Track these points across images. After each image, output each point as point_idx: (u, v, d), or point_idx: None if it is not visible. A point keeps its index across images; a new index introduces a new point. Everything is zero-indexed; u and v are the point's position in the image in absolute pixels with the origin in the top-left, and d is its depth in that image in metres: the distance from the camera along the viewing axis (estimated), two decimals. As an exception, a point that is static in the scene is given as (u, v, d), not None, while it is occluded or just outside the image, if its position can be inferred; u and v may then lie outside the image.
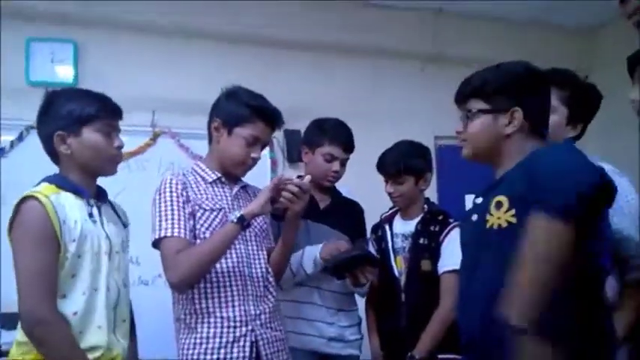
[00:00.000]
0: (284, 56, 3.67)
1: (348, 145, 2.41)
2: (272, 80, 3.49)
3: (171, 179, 1.93)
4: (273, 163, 3.57)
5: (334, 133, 2.40)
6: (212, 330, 1.86)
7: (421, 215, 2.46)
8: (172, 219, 1.86)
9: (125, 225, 1.93)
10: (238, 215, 1.84)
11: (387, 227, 2.51)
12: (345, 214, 2.49)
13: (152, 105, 3.31)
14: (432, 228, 2.40)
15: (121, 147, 1.83)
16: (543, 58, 3.36)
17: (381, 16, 3.81)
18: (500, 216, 1.47)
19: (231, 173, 2.04)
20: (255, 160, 2.01)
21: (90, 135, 1.74)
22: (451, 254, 2.18)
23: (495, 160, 1.61)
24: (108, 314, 1.70)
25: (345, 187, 2.60)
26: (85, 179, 1.78)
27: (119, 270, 1.80)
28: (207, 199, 1.95)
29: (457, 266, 1.90)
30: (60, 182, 1.72)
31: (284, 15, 3.60)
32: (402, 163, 2.42)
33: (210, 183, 2.00)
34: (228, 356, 1.85)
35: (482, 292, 1.51)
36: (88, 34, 3.32)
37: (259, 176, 3.29)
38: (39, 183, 1.73)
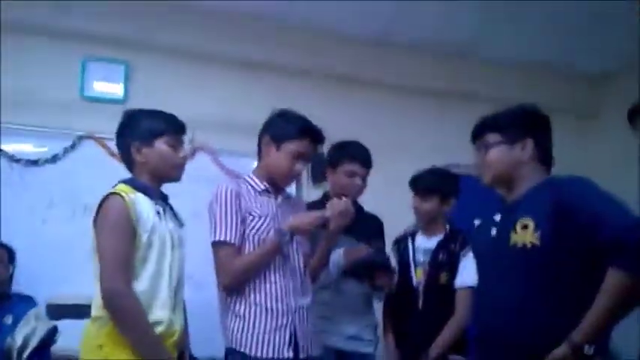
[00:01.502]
0: (311, 84, 3.91)
1: (366, 161, 2.65)
2: (297, 107, 3.74)
3: (227, 187, 2.16)
4: (298, 182, 3.71)
5: (353, 152, 2.65)
6: (258, 318, 2.09)
7: (443, 233, 2.69)
8: (227, 224, 2.10)
9: (181, 225, 2.18)
10: (287, 234, 2.09)
11: (409, 241, 2.75)
12: (367, 227, 2.71)
13: (192, 123, 3.52)
14: (452, 246, 2.63)
15: (185, 157, 2.13)
16: (550, 100, 3.64)
17: (402, 54, 4.08)
18: (525, 237, 1.70)
19: (277, 184, 2.26)
20: (299, 173, 2.24)
21: (160, 146, 2.03)
22: (468, 272, 2.38)
23: (510, 185, 1.86)
24: (170, 296, 1.94)
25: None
26: (153, 183, 2.06)
27: (179, 261, 2.04)
28: (256, 206, 2.17)
29: (473, 284, 2.17)
30: (134, 184, 2.00)
31: (312, 47, 3.88)
32: (431, 182, 2.68)
33: (259, 192, 2.22)
34: (272, 341, 2.08)
35: (504, 303, 1.75)
36: (139, 56, 3.60)
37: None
38: (116, 185, 2.00)
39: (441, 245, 2.66)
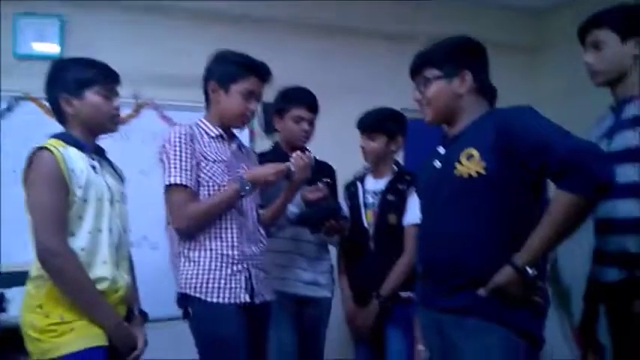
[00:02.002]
0: (257, 32, 3.78)
1: (312, 106, 2.66)
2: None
3: (180, 130, 2.11)
4: (251, 134, 3.70)
5: (299, 97, 2.65)
6: (214, 264, 2.09)
7: (390, 175, 2.72)
8: (182, 168, 2.06)
9: (122, 179, 2.13)
10: (248, 184, 2.09)
11: (359, 185, 2.78)
12: (319, 174, 2.69)
13: (135, 78, 3.39)
14: (399, 187, 2.67)
15: (118, 107, 2.04)
16: (495, 36, 3.65)
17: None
18: (470, 166, 1.70)
19: (230, 130, 2.25)
20: (252, 113, 2.21)
21: (91, 97, 1.95)
22: (415, 210, 2.37)
23: (452, 120, 1.85)
24: (111, 252, 1.90)
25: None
26: (87, 137, 1.99)
27: (119, 216, 1.99)
28: (211, 151, 2.14)
29: (420, 220, 2.14)
30: (65, 138, 1.93)
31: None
32: (377, 121, 2.69)
33: (213, 137, 2.18)
34: (227, 286, 2.08)
35: (448, 233, 1.75)
36: (74, 9, 3.45)
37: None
38: (47, 140, 1.91)
39: (389, 186, 2.69)
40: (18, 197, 2.90)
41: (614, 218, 1.88)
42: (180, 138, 2.08)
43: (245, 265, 2.13)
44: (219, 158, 2.15)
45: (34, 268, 1.84)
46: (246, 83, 2.16)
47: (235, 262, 2.11)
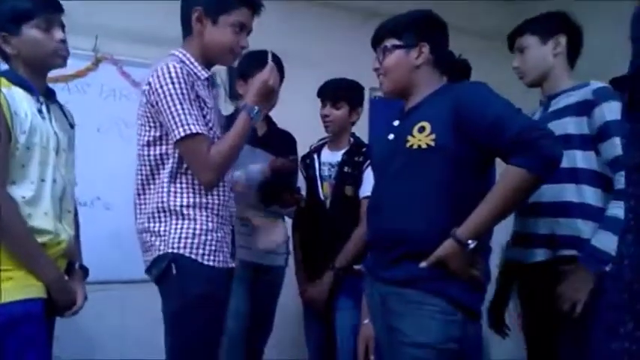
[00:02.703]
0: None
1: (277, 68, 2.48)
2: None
3: (182, 69, 1.82)
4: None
5: (262, 61, 2.32)
6: (210, 224, 1.88)
7: (347, 147, 2.70)
8: (192, 114, 1.80)
9: (72, 126, 2.00)
10: (255, 107, 1.87)
11: (315, 156, 2.76)
12: (280, 142, 2.70)
13: (95, 30, 3.30)
14: (356, 159, 2.65)
15: (63, 40, 1.86)
16: (472, 22, 3.63)
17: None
18: (421, 138, 1.72)
19: (217, 64, 2.02)
20: (245, 48, 1.99)
21: (30, 32, 1.79)
22: (371, 182, 2.38)
23: (409, 91, 1.87)
24: (54, 204, 1.81)
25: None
26: (35, 77, 1.84)
27: (66, 166, 1.89)
28: (206, 96, 1.92)
29: None
30: (11, 77, 1.78)
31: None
32: (341, 89, 2.68)
33: (202, 80, 1.94)
34: (221, 249, 1.90)
35: (395, 204, 1.78)
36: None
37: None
38: None
39: (345, 158, 2.67)
40: None
41: (540, 202, 1.99)
42: (184, 79, 1.81)
43: (231, 228, 1.99)
44: (211, 105, 1.94)
45: None
46: (238, 14, 1.91)
47: (227, 223, 1.95)
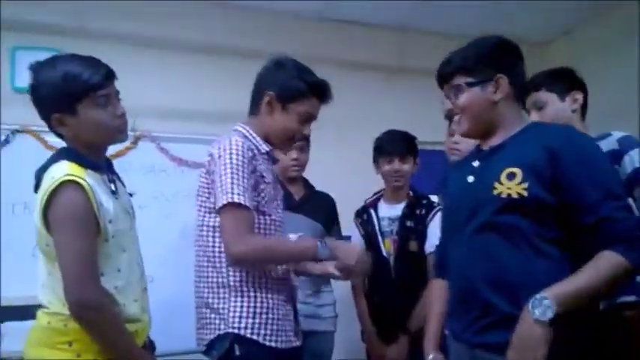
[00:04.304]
0: (258, 67, 3.78)
1: None
2: (247, 89, 3.62)
3: (243, 144, 1.81)
4: None
5: None
6: (271, 302, 1.83)
7: (406, 200, 2.65)
8: (244, 186, 1.76)
9: (131, 194, 1.90)
10: (327, 252, 1.80)
11: (372, 211, 2.70)
12: (319, 205, 2.67)
13: (133, 111, 3.40)
14: (417, 211, 2.60)
15: (124, 113, 1.72)
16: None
17: (349, 32, 4.01)
18: (511, 186, 1.52)
19: (276, 148, 2.01)
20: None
21: (87, 112, 1.63)
22: (437, 234, 2.30)
23: (489, 130, 1.67)
24: (140, 287, 1.73)
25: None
26: (96, 154, 1.72)
27: (136, 241, 1.79)
28: (264, 170, 1.88)
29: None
30: (80, 160, 1.64)
31: (251, 27, 3.75)
32: (408, 143, 2.66)
33: (263, 154, 1.93)
34: (283, 329, 1.85)
35: (487, 259, 1.55)
36: (72, 42, 3.45)
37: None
38: (57, 159, 1.65)
39: (406, 212, 2.62)
40: (15, 229, 2.98)
41: None
42: (243, 153, 1.78)
43: (292, 304, 1.94)
44: (270, 179, 1.90)
45: (57, 305, 1.62)
46: (307, 105, 1.93)
47: (288, 299, 1.90)
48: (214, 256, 1.85)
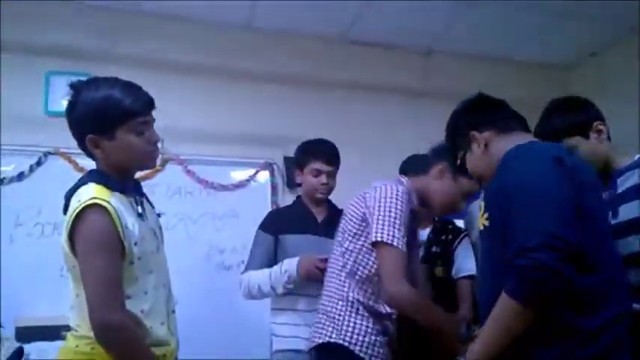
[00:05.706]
0: (282, 91, 3.84)
1: (330, 158, 2.56)
2: (271, 112, 3.77)
3: (403, 192, 2.04)
4: (273, 188, 3.70)
5: (315, 150, 2.57)
6: (379, 326, 2.04)
7: (431, 225, 2.63)
8: (401, 233, 1.96)
9: (159, 215, 1.90)
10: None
11: None
12: None
13: (161, 134, 3.46)
14: (443, 237, 2.58)
15: (157, 141, 1.73)
16: (519, 91, 3.62)
17: (374, 54, 4.03)
18: (481, 219, 1.66)
19: (427, 210, 2.22)
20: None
21: (124, 137, 1.66)
22: (464, 260, 2.36)
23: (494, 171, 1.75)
24: (167, 309, 1.73)
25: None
26: (125, 176, 1.74)
27: (165, 263, 1.80)
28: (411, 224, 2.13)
29: (471, 271, 2.14)
30: (108, 183, 1.66)
31: (276, 51, 3.80)
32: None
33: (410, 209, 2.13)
34: (383, 354, 2.04)
35: (483, 280, 1.74)
36: (103, 66, 3.52)
37: (260, 199, 3.59)
38: (85, 182, 1.66)
39: (432, 237, 2.60)
40: (38, 250, 3.04)
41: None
42: (403, 201, 2.01)
43: (389, 335, 2.10)
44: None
45: (83, 327, 1.62)
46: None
47: (389, 329, 2.09)
48: (341, 272, 2.08)
